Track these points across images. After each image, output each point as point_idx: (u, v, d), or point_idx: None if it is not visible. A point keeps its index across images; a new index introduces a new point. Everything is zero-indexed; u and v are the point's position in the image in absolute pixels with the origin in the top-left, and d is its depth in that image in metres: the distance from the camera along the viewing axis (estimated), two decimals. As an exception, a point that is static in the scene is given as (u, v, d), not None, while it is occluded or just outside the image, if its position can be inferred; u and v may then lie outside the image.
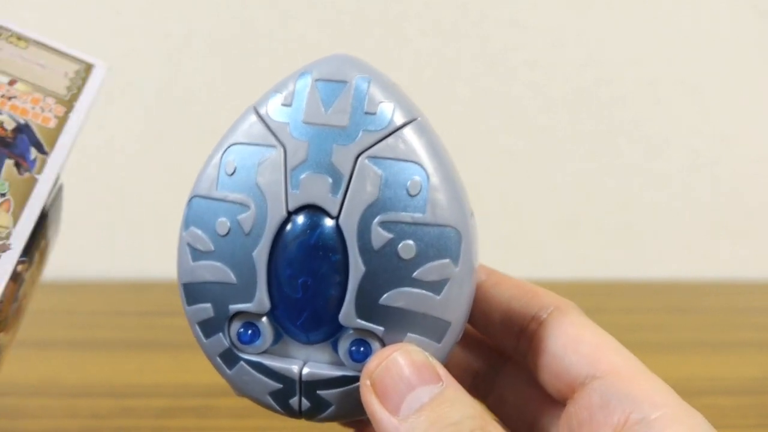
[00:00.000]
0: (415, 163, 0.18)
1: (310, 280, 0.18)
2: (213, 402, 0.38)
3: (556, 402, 0.20)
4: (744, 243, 0.59)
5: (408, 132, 0.18)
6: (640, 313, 0.52)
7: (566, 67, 0.55)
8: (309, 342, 0.19)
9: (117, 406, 0.37)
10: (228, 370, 0.20)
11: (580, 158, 0.57)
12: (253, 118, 0.19)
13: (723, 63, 0.56)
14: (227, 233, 0.19)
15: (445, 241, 0.18)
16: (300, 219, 0.18)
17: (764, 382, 0.41)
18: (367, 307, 0.18)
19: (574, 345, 0.19)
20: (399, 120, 0.18)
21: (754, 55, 0.56)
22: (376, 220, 0.18)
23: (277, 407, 0.19)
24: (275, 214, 0.18)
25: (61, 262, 0.59)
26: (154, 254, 0.59)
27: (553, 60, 0.55)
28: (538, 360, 0.20)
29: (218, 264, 0.19)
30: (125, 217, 0.58)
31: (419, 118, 0.18)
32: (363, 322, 0.18)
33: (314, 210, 0.18)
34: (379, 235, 0.17)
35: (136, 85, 0.55)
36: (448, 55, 0.55)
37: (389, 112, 0.18)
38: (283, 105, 0.19)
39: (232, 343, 0.19)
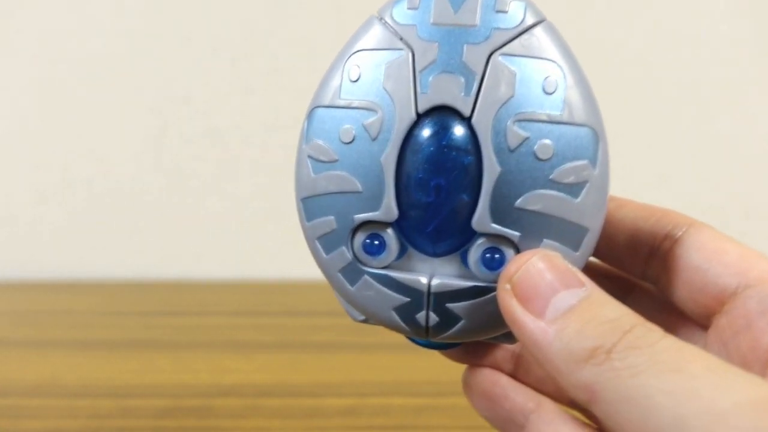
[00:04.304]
0: (551, 60, 0.17)
1: (443, 182, 0.17)
2: (213, 402, 0.38)
3: (693, 324, 0.20)
4: (744, 243, 0.59)
5: (539, 31, 0.17)
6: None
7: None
8: (435, 254, 0.18)
9: (117, 406, 0.37)
10: (350, 287, 0.19)
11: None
12: (377, 24, 0.18)
13: (723, 63, 0.56)
14: (352, 140, 0.18)
15: (582, 141, 0.17)
16: (430, 121, 0.17)
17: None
18: (503, 211, 0.17)
19: (718, 256, 0.18)
20: (530, 19, 0.17)
21: (755, 55, 0.56)
22: (512, 118, 0.17)
23: (402, 323, 0.18)
24: (404, 117, 0.17)
25: (62, 262, 0.59)
26: (154, 254, 0.59)
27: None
28: (676, 278, 0.19)
29: (343, 173, 0.18)
30: (125, 217, 0.58)
31: (547, 19, 0.18)
32: (498, 227, 0.17)
33: (445, 111, 0.17)
34: (515, 134, 0.17)
35: (138, 85, 0.55)
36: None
37: (521, 10, 0.17)
38: (409, 8, 0.18)
39: (355, 256, 0.18)
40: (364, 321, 0.20)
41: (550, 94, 0.17)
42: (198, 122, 0.56)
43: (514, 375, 0.23)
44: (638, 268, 0.21)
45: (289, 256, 0.58)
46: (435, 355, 0.22)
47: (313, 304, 0.52)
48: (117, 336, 0.46)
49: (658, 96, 0.56)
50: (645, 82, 0.56)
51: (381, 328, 0.20)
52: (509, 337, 0.19)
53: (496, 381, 0.23)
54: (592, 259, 0.19)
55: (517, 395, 0.22)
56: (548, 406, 0.22)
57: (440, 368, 0.39)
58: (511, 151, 0.17)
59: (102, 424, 0.35)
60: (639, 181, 0.58)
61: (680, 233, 0.19)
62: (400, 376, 0.41)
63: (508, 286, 0.16)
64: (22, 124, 0.56)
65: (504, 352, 0.23)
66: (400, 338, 0.20)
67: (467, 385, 0.23)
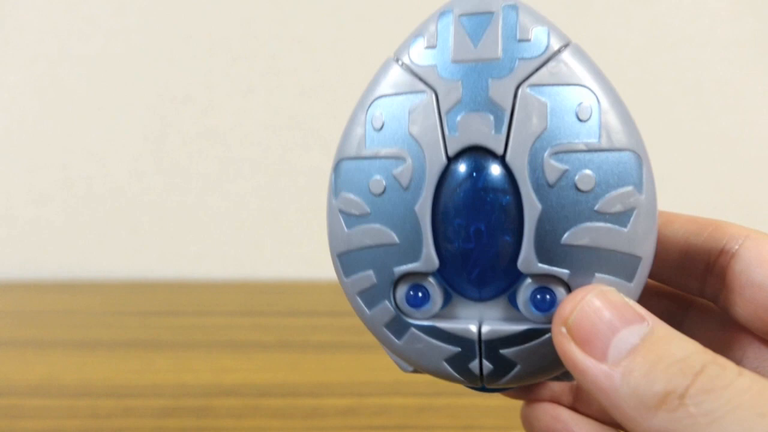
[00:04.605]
0: (582, 86, 0.16)
1: (483, 226, 0.17)
2: (213, 402, 0.38)
3: (762, 342, 0.19)
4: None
5: (567, 56, 0.16)
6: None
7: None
8: (481, 299, 0.18)
9: (117, 406, 0.37)
10: (397, 341, 0.18)
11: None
12: (395, 67, 0.18)
13: (723, 62, 0.56)
14: (383, 192, 0.17)
15: (625, 167, 0.16)
16: (463, 163, 0.17)
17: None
18: (548, 249, 0.16)
19: None
20: (556, 44, 0.17)
21: (754, 55, 0.56)
22: (548, 152, 0.16)
23: (456, 374, 0.18)
24: (434, 163, 0.17)
25: (61, 262, 0.59)
26: (154, 254, 0.59)
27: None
28: (737, 296, 0.18)
29: (377, 226, 0.17)
30: (125, 217, 0.58)
31: (573, 42, 0.17)
32: (545, 266, 0.16)
33: (476, 152, 0.17)
34: (553, 168, 0.16)
35: (138, 84, 0.55)
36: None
37: (544, 36, 0.17)
38: (427, 48, 0.17)
39: (399, 309, 0.18)
40: (414, 371, 0.19)
41: (585, 121, 0.16)
42: (198, 122, 0.56)
43: (573, 407, 0.22)
44: (694, 286, 0.20)
45: (289, 256, 0.58)
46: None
47: (313, 304, 0.52)
48: (117, 336, 0.46)
49: (658, 96, 0.56)
50: (644, 82, 0.56)
51: None
52: (567, 375, 0.18)
53: (557, 416, 0.22)
54: None
55: (581, 429, 0.22)
56: None
57: (440, 368, 0.39)
58: (551, 186, 0.16)
59: (102, 424, 0.35)
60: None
61: (737, 247, 0.18)
62: (400, 376, 0.40)
63: (564, 329, 0.15)
64: (22, 124, 0.56)
65: (561, 383, 0.22)
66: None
67: (527, 422, 0.22)
